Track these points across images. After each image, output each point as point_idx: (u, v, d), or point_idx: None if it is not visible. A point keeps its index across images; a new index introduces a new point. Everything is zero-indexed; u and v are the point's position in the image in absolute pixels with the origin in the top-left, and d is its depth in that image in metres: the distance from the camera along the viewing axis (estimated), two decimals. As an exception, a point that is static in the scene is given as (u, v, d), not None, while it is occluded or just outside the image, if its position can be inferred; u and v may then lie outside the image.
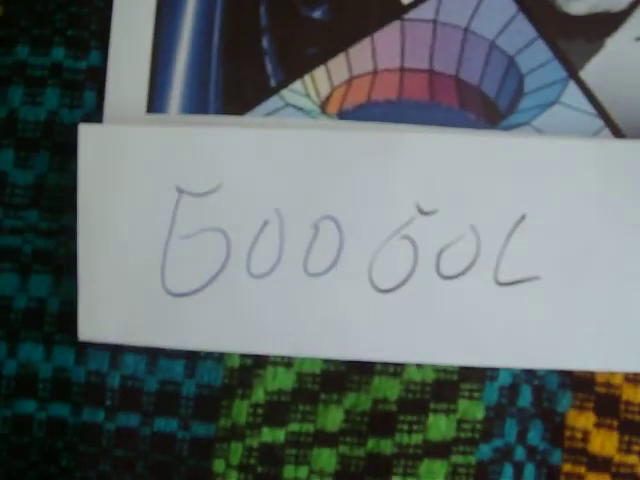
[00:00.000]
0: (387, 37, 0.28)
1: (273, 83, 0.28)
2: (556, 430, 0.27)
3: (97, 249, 0.27)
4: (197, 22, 0.29)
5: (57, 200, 0.28)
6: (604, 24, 0.28)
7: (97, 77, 0.28)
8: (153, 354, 0.27)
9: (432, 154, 0.27)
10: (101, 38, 0.28)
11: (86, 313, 0.27)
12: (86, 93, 0.28)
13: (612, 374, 0.27)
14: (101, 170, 0.27)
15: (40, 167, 0.28)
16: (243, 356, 0.27)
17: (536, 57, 0.28)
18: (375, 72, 0.28)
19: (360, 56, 0.28)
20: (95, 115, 0.28)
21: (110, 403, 0.27)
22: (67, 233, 0.28)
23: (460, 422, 0.27)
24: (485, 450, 0.27)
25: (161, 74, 0.28)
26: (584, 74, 0.28)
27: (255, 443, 0.27)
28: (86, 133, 0.27)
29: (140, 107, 0.28)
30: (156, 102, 0.28)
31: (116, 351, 0.27)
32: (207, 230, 0.27)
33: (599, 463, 0.26)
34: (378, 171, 0.27)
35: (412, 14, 0.28)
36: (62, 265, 0.28)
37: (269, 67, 0.28)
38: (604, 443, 0.27)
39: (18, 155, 0.28)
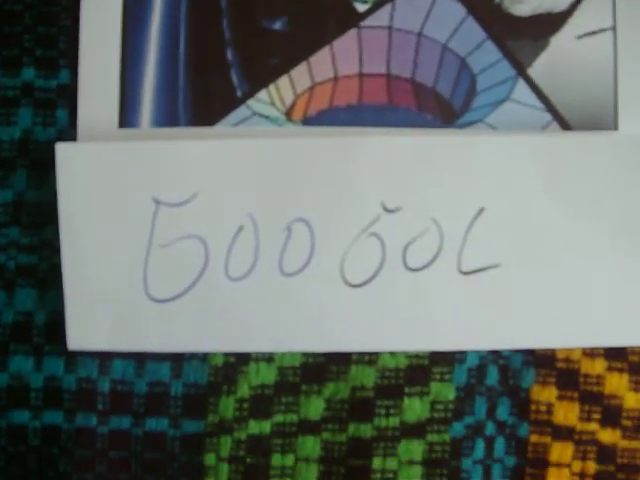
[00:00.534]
0: (345, 44, 0.29)
1: (239, 94, 0.29)
2: (522, 405, 0.28)
3: (81, 262, 0.28)
4: (162, 37, 0.30)
5: (37, 216, 0.29)
6: (548, 24, 0.29)
7: (68, 95, 0.29)
8: (140, 358, 0.28)
9: (393, 155, 0.28)
10: (70, 57, 0.29)
11: (74, 324, 0.28)
12: (58, 111, 0.29)
13: (571, 350, 0.28)
14: (80, 186, 0.28)
15: (18, 185, 0.29)
16: (226, 354, 0.29)
17: (486, 57, 0.29)
18: (336, 79, 0.29)
19: (321, 64, 0.29)
20: (69, 132, 0.29)
21: (102, 407, 0.28)
22: (49, 247, 0.29)
23: (433, 403, 0.28)
24: (458, 428, 0.28)
25: (131, 89, 0.29)
26: (532, 72, 0.29)
27: (243, 436, 0.29)
28: (63, 152, 0.28)
29: (112, 122, 0.29)
30: (128, 117, 0.29)
31: (104, 357, 0.28)
32: (185, 238, 0.28)
33: (563, 432, 0.28)
34: (343, 173, 0.28)
35: (368, 21, 0.30)
36: (46, 278, 0.29)
37: (235, 78, 0.29)
38: (566, 414, 0.28)
39: (-4, 174, 0.29)
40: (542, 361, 0.28)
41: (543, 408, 0.28)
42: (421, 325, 0.28)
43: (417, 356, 0.28)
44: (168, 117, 0.29)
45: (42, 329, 0.29)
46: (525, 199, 0.28)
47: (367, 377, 0.28)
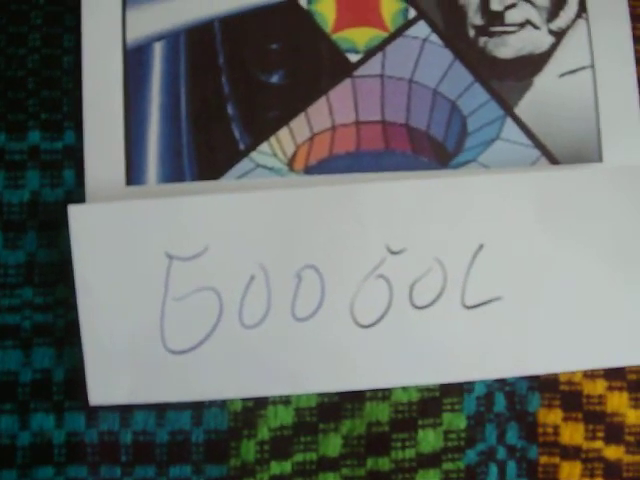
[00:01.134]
0: (341, 94, 0.30)
1: (242, 147, 0.30)
2: (530, 428, 0.29)
3: (98, 319, 0.28)
4: (164, 95, 0.30)
5: (49, 275, 0.29)
6: (531, 65, 0.30)
7: (74, 155, 0.30)
8: (161, 408, 0.28)
9: (395, 199, 0.29)
10: (74, 118, 0.29)
11: (94, 379, 0.28)
12: (65, 171, 0.29)
13: (573, 373, 0.29)
14: (93, 245, 0.28)
15: (29, 246, 0.30)
16: (245, 400, 0.29)
17: (475, 99, 0.30)
18: (334, 128, 0.30)
19: (318, 114, 0.30)
20: (77, 191, 0.29)
21: (125, 459, 0.28)
22: (63, 305, 0.29)
23: (446, 433, 0.29)
24: (471, 455, 0.29)
25: (136, 147, 0.29)
26: (518, 111, 0.31)
27: (265, 477, 0.29)
28: (76, 213, 0.29)
29: (119, 180, 0.29)
30: (134, 175, 0.29)
31: (125, 410, 0.28)
32: (199, 290, 0.28)
33: (570, 452, 0.29)
34: (348, 219, 0.29)
35: (361, 71, 0.30)
36: (62, 336, 0.29)
37: (236, 132, 0.30)
38: (572, 434, 0.29)
39: (7, 237, 0.30)
40: (546, 385, 0.29)
41: (550, 430, 0.29)
42: (430, 359, 0.28)
43: (428, 389, 0.29)
44: (174, 173, 0.30)
45: (61, 386, 0.29)
46: (521, 233, 0.29)
47: (382, 412, 0.29)
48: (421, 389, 0.29)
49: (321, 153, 0.30)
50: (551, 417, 0.29)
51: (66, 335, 0.28)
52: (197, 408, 0.28)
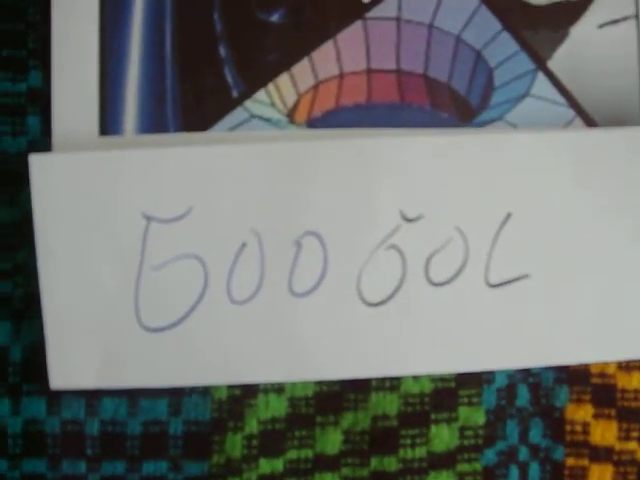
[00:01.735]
0: (350, 38, 0.27)
1: (235, 94, 0.27)
2: (556, 426, 0.27)
3: (62, 288, 0.26)
4: (146, 32, 0.27)
5: (8, 237, 0.27)
6: (567, 13, 0.28)
7: (40, 100, 0.27)
8: (133, 395, 0.26)
9: (410, 158, 0.26)
10: (40, 56, 0.27)
11: (56, 359, 0.26)
12: (29, 118, 0.27)
13: (606, 364, 0.27)
14: (58, 202, 0.26)
15: (-15, 203, 0.26)
16: (231, 387, 0.26)
17: (503, 50, 0.28)
18: (341, 76, 0.27)
19: (324, 60, 0.27)
20: (42, 142, 0.27)
21: (91, 452, 0.26)
22: (22, 272, 0.26)
23: (462, 429, 0.27)
24: (490, 455, 0.27)
25: (112, 92, 0.27)
26: (552, 64, 0.28)
27: (253, 476, 0.27)
28: (38, 164, 0.26)
29: (92, 130, 0.27)
30: (109, 123, 0.27)
31: (92, 396, 0.26)
32: (181, 258, 0.26)
33: (601, 453, 0.27)
34: (357, 180, 0.26)
35: (374, 12, 0.28)
36: (21, 308, 0.26)
37: (229, 77, 0.27)
38: (604, 433, 0.27)
39: (-41, 192, 0.26)
40: (576, 377, 0.27)
41: (579, 428, 0.27)
42: (446, 345, 0.26)
43: (442, 379, 0.27)
44: (155, 122, 0.27)
45: (19, 366, 0.26)
46: (554, 202, 0.26)
47: (389, 405, 0.26)
48: (435, 379, 0.26)
49: (326, 104, 0.27)
50: (580, 413, 0.27)
51: (25, 307, 0.26)
52: (175, 395, 0.26)
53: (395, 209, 0.26)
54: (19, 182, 0.26)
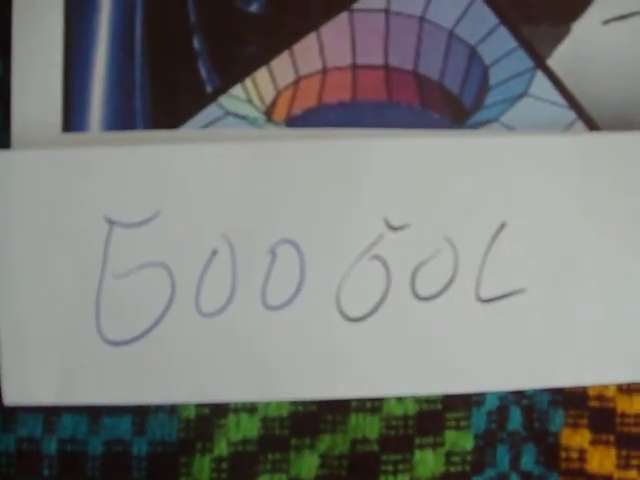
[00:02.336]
0: (335, 31, 0.26)
1: (209, 89, 0.26)
2: (550, 452, 0.26)
3: (18, 297, 0.25)
4: (115, 21, 0.26)
5: None
6: (569, 7, 0.27)
7: None
8: (94, 412, 0.25)
9: (397, 161, 0.25)
10: (0, 44, 0.25)
11: (11, 373, 0.25)
12: None
13: (605, 387, 0.26)
14: (15, 203, 0.25)
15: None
16: (199, 406, 0.25)
17: (499, 46, 0.27)
18: (324, 71, 0.26)
19: (306, 54, 0.26)
20: (0, 137, 0.26)
21: (48, 473, 0.25)
22: None
23: (449, 455, 0.26)
24: None
25: (76, 84, 0.26)
26: (552, 62, 0.27)
27: None
28: None
29: (55, 125, 0.26)
30: (73, 119, 0.26)
31: (50, 413, 0.25)
32: (146, 266, 0.25)
33: None
34: (338, 185, 0.25)
35: (361, 4, 0.27)
36: None
37: (203, 71, 0.26)
38: (602, 461, 0.26)
39: None
40: (572, 400, 0.26)
41: (575, 455, 0.26)
42: (433, 364, 0.25)
43: (428, 401, 0.26)
44: (123, 118, 0.26)
45: None
46: (552, 211, 0.25)
47: (370, 427, 0.25)
48: (420, 400, 0.25)
49: (308, 101, 0.26)
50: (577, 439, 0.26)
51: (-21, 316, 0.25)
52: (140, 413, 0.25)
53: (379, 216, 0.25)
54: (-25, 181, 0.25)
